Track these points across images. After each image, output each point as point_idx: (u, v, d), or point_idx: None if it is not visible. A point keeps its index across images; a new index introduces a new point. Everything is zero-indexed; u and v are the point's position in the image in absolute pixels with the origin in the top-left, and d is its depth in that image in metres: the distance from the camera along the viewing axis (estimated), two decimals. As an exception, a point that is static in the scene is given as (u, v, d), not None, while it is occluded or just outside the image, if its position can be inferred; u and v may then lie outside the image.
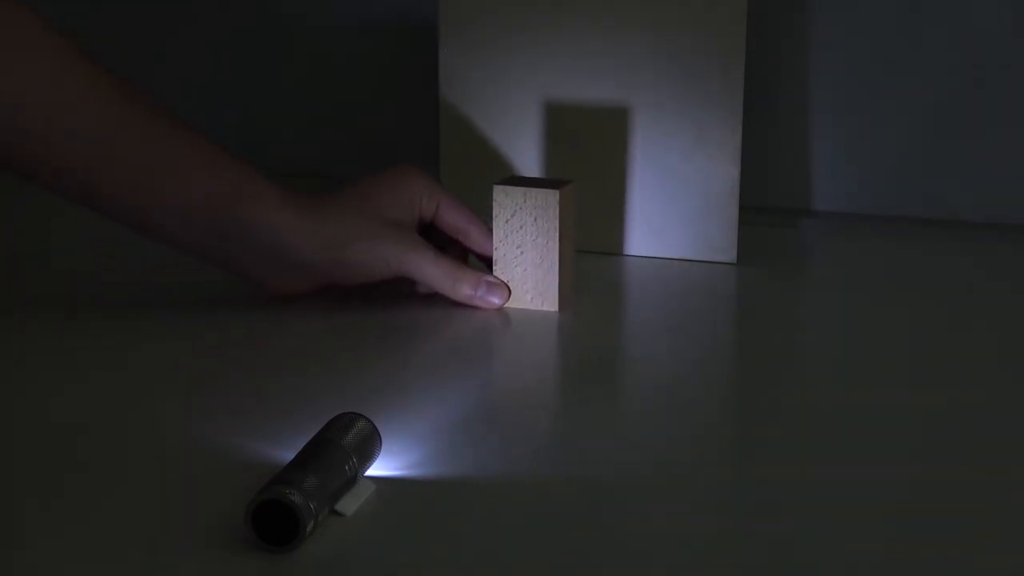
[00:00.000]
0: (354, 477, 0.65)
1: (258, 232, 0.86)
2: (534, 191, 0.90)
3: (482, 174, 1.04)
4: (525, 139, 1.05)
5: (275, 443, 0.69)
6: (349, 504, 0.64)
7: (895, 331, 0.91)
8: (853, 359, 0.86)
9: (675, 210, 1.03)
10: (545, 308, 0.92)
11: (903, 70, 1.11)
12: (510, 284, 0.92)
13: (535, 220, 0.91)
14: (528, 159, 1.05)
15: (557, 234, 0.90)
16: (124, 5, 1.27)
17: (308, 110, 1.25)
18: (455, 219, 0.92)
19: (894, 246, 1.08)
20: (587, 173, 1.02)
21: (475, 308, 0.92)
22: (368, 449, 0.66)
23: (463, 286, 0.91)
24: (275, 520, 0.61)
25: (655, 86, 1.02)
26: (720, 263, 1.02)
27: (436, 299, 0.92)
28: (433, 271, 0.90)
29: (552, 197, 0.90)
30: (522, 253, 0.91)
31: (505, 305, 0.92)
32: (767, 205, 1.14)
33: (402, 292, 0.93)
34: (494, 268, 0.92)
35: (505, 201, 0.91)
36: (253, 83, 1.26)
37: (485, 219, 0.93)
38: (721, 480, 0.71)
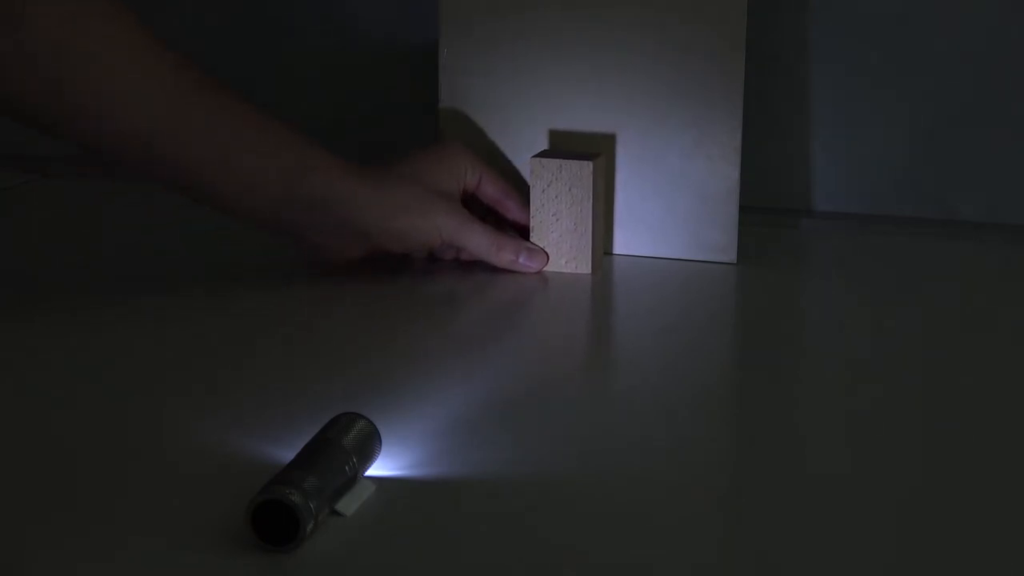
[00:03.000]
0: (354, 477, 0.65)
1: (325, 202, 0.92)
2: (569, 162, 0.98)
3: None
4: (525, 141, 1.04)
5: (276, 442, 0.69)
6: (349, 504, 0.64)
7: (895, 331, 0.91)
8: (853, 359, 0.86)
9: (675, 210, 1.03)
10: (579, 271, 0.98)
11: (903, 70, 1.11)
12: (546, 249, 0.99)
13: (570, 189, 0.98)
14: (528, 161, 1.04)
15: (591, 202, 0.98)
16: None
17: (305, 116, 1.25)
18: (495, 191, 0.99)
19: (894, 246, 1.08)
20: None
21: (515, 272, 0.98)
22: (368, 449, 0.66)
23: (506, 253, 0.98)
24: (275, 520, 0.61)
25: (655, 86, 1.02)
26: (720, 263, 1.02)
27: (477, 265, 0.98)
28: (480, 240, 0.97)
29: (586, 168, 0.97)
30: (558, 220, 0.98)
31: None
32: (767, 205, 1.14)
33: (440, 259, 0.99)
34: (531, 234, 0.99)
35: (542, 172, 0.98)
36: (251, 88, 1.25)
37: (522, 191, 1.00)
38: (721, 479, 0.71)
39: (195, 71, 0.89)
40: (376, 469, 0.67)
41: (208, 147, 0.89)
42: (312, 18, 1.23)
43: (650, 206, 1.03)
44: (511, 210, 1.00)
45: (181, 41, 0.88)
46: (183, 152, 0.88)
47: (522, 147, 1.04)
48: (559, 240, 0.99)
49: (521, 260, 0.98)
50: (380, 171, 0.95)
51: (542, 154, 1.00)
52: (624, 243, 1.04)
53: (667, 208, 1.03)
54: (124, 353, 0.84)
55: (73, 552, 0.61)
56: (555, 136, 1.04)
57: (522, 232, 1.00)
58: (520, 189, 1.01)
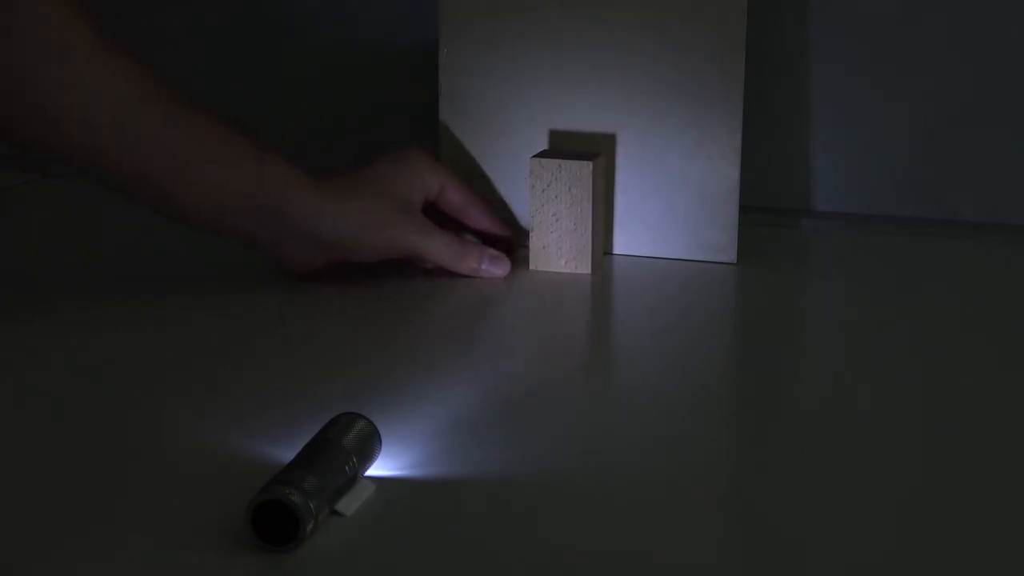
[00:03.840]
0: (354, 477, 0.65)
1: (285, 214, 0.91)
2: (568, 163, 0.98)
3: (482, 178, 1.04)
4: (525, 141, 1.04)
5: (276, 442, 0.69)
6: (349, 504, 0.64)
7: (895, 331, 0.91)
8: (853, 359, 0.86)
9: (675, 210, 1.03)
10: (579, 271, 0.99)
11: (903, 70, 1.11)
12: (545, 249, 0.99)
13: (569, 189, 0.98)
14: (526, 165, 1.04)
15: (590, 202, 0.98)
16: (129, 13, 1.27)
17: (305, 116, 1.25)
18: (458, 200, 0.99)
19: (894, 246, 1.08)
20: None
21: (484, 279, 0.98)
22: (368, 449, 0.66)
23: (468, 260, 0.97)
24: (275, 520, 0.61)
25: (655, 86, 1.02)
26: (720, 263, 1.02)
27: (441, 272, 0.97)
28: (441, 249, 0.96)
29: (586, 168, 0.97)
30: (557, 220, 0.99)
31: (541, 269, 1.00)
32: (767, 205, 1.14)
33: (406, 267, 0.98)
34: (531, 234, 1.00)
35: (541, 172, 0.98)
36: (251, 88, 1.25)
37: (487, 198, 1.01)
38: (721, 479, 0.71)
39: (154, 81, 0.88)
40: (376, 469, 0.67)
41: (167, 158, 0.88)
42: (312, 18, 1.23)
43: (650, 206, 1.03)
44: (473, 218, 0.99)
45: (181, 41, 0.89)
46: (141, 163, 0.88)
47: (522, 147, 1.04)
48: (559, 240, 0.99)
49: (484, 267, 0.97)
50: (341, 182, 0.94)
51: (542, 154, 1.00)
52: (624, 243, 1.04)
53: (667, 208, 1.03)
54: (124, 353, 0.84)
55: (73, 552, 0.61)
56: (555, 136, 1.04)
57: (486, 240, 1.00)
58: (485, 198, 1.01)
